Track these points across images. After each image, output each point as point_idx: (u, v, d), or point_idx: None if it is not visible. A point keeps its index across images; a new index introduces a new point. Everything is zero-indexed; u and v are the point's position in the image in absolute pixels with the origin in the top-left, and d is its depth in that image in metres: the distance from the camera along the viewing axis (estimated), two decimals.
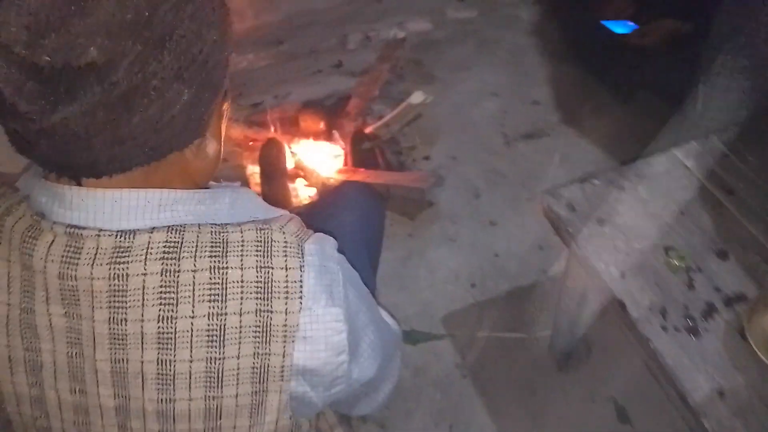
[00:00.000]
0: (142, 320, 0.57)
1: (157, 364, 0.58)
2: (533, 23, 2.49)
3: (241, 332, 0.59)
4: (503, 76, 2.26)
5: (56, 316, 0.59)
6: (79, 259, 0.56)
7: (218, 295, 0.58)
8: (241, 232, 0.61)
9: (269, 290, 0.60)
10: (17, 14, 0.48)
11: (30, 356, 0.61)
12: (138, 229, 0.58)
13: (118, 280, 0.57)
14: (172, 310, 0.57)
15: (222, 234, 0.60)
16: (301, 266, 0.61)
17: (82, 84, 0.49)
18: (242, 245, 0.60)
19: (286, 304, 0.60)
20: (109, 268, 0.56)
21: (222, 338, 0.59)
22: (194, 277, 0.58)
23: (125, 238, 0.57)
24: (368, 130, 2.08)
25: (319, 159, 2.06)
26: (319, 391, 0.65)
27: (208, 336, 0.58)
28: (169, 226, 0.59)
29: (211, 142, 0.64)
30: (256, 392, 0.61)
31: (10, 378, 0.62)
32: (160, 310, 0.57)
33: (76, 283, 0.57)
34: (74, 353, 0.60)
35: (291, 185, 2.02)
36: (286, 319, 0.60)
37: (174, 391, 0.59)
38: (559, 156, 1.95)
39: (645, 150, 1.25)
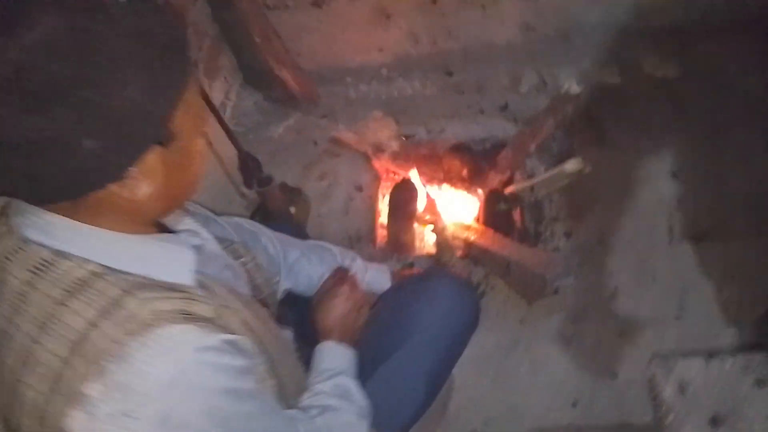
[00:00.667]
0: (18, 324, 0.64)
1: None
2: (755, 94, 2.03)
3: (45, 369, 0.61)
4: (693, 156, 1.88)
5: None
6: (11, 258, 0.66)
7: (45, 325, 0.62)
8: (107, 283, 0.63)
9: (81, 347, 0.60)
10: None
11: None
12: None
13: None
14: (19, 320, 0.63)
15: (93, 275, 0.63)
16: (121, 341, 0.60)
17: None
18: (97, 293, 0.62)
19: (85, 365, 0.60)
20: (27, 274, 0.64)
21: (30, 364, 0.62)
22: (41, 300, 0.63)
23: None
24: (511, 188, 1.89)
25: (452, 208, 1.94)
26: None
27: (25, 356, 0.62)
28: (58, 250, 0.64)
29: (143, 183, 0.64)
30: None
31: None
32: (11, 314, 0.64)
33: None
34: None
35: (417, 228, 1.93)
36: (74, 380, 0.60)
37: None
38: (730, 274, 1.56)
39: None
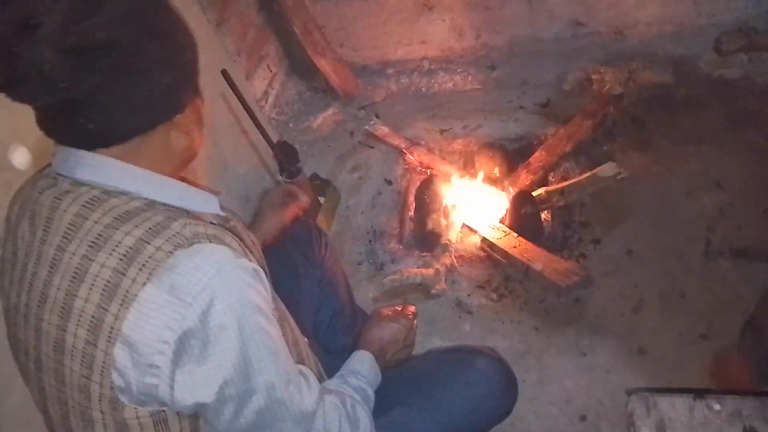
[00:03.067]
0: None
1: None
2: None
3: (95, 279, 0.68)
4: (742, 167, 1.74)
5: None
6: (62, 198, 0.74)
7: (96, 243, 0.69)
8: (153, 212, 0.71)
9: (134, 259, 0.67)
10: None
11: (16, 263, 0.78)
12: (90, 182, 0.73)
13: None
14: (71, 247, 0.71)
15: (139, 208, 0.72)
16: (170, 251, 0.67)
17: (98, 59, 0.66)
18: (144, 219, 0.70)
19: (138, 272, 0.67)
20: (79, 207, 0.72)
21: (83, 276, 0.69)
22: (92, 225, 0.70)
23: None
24: (541, 190, 1.83)
25: (479, 205, 1.90)
26: (134, 373, 0.67)
27: (75, 272, 0.69)
28: (106, 189, 0.73)
29: (180, 134, 0.77)
30: (88, 342, 0.68)
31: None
32: (63, 242, 0.72)
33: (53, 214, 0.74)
34: (33, 265, 0.74)
35: (443, 223, 1.91)
36: (130, 286, 0.67)
37: (46, 312, 0.71)
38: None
39: None
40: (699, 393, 0.80)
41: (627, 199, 1.78)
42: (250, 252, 0.93)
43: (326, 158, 2.24)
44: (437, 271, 1.68)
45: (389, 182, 2.09)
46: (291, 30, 2.24)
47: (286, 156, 1.87)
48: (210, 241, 0.70)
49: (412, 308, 1.17)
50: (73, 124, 0.70)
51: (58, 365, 0.72)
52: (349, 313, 1.41)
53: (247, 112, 1.58)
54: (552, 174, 1.94)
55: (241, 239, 1.02)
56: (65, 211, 0.72)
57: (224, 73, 1.39)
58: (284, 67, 2.53)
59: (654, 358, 1.46)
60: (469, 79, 2.33)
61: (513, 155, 2.03)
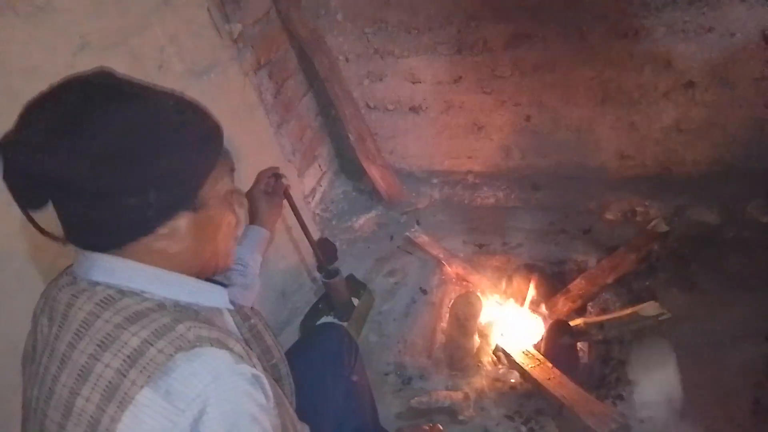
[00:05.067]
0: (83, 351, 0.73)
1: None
2: None
3: (98, 379, 0.70)
4: None
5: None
6: (78, 297, 0.77)
7: (104, 343, 0.71)
8: (161, 313, 0.74)
9: (136, 360, 0.69)
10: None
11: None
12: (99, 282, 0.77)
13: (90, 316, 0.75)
14: (80, 344, 0.73)
15: (150, 308, 0.75)
16: (171, 354, 0.69)
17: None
18: (152, 321, 0.73)
19: (138, 375, 0.68)
20: (93, 306, 0.75)
21: (87, 375, 0.71)
22: (103, 325, 0.73)
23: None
24: (579, 321, 1.79)
25: (514, 328, 1.87)
26: None
27: (80, 370, 0.71)
28: (120, 289, 0.76)
29: (173, 241, 0.79)
30: None
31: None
32: (74, 340, 0.74)
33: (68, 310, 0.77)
34: (47, 360, 0.77)
35: (476, 341, 1.87)
36: (129, 388, 0.68)
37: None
38: None
39: None
40: None
41: (671, 341, 1.72)
42: (269, 352, 1.01)
43: (365, 260, 2.27)
44: (466, 396, 1.63)
45: (424, 291, 2.08)
46: (345, 135, 2.36)
47: (326, 253, 1.91)
48: (212, 345, 0.72)
49: (439, 429, 1.14)
50: (71, 229, 0.77)
51: None
52: (372, 430, 1.37)
53: (292, 210, 1.65)
54: (591, 304, 1.91)
55: (261, 339, 1.03)
56: (80, 309, 0.75)
57: (278, 177, 1.47)
58: (334, 167, 2.63)
59: None
60: (512, 196, 2.37)
61: (552, 279, 2.01)
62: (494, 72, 2.16)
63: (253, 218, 1.38)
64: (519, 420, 1.62)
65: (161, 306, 0.76)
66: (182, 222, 0.79)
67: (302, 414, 1.12)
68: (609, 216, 2.17)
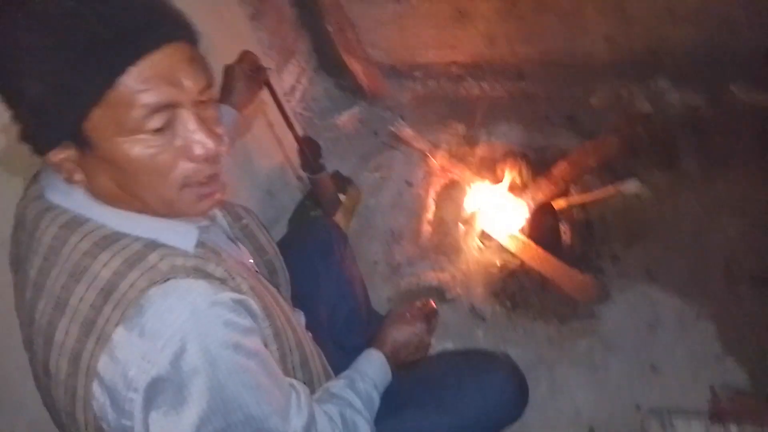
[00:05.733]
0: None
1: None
2: None
3: (75, 313, 0.66)
4: (766, 194, 1.73)
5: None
6: (42, 217, 0.72)
7: (75, 274, 0.67)
8: (131, 239, 0.69)
9: (110, 294, 0.66)
10: None
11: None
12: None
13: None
14: (52, 271, 0.70)
15: (119, 236, 0.69)
16: (144, 288, 0.65)
17: None
18: (123, 247, 0.68)
19: (112, 311, 0.65)
20: (57, 229, 0.71)
21: (63, 307, 0.67)
22: (70, 252, 0.68)
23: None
24: (562, 203, 1.83)
25: (499, 213, 1.90)
26: (112, 411, 0.66)
27: (57, 301, 0.68)
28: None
29: (80, 173, 0.69)
30: (69, 374, 0.67)
31: None
32: (45, 265, 0.70)
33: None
34: (22, 280, 0.74)
35: (462, 228, 1.91)
36: (105, 325, 0.65)
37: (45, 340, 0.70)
38: None
39: None
40: (715, 416, 0.80)
41: (649, 217, 1.77)
42: (262, 249, 0.96)
43: (349, 157, 2.26)
44: (453, 276, 1.69)
45: (410, 184, 2.10)
46: (323, 27, 2.27)
47: (310, 150, 1.89)
48: (187, 276, 0.67)
49: (432, 306, 1.16)
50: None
51: (47, 388, 0.72)
52: (364, 313, 1.41)
53: (276, 105, 1.61)
54: (574, 187, 1.94)
55: (254, 237, 1.01)
56: (44, 231, 0.71)
57: (261, 68, 1.41)
58: (313, 64, 2.55)
59: (666, 377, 1.46)
60: (497, 87, 2.34)
61: (536, 165, 2.03)
62: None
63: (226, 96, 1.25)
64: (504, 296, 1.70)
65: (121, 233, 0.71)
66: (69, 155, 0.67)
67: (297, 301, 1.14)
68: (593, 103, 2.16)
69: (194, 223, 0.78)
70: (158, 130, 0.66)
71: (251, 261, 0.98)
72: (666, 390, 1.43)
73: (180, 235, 0.74)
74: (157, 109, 0.65)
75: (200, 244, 0.76)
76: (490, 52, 2.35)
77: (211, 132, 0.71)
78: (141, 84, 0.63)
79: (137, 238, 0.70)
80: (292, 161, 2.15)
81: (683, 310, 1.56)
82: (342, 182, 2.08)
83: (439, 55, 2.42)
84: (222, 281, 0.72)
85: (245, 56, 1.34)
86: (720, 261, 1.63)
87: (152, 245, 0.69)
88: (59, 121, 0.64)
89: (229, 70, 1.29)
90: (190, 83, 0.68)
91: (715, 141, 1.93)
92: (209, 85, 0.71)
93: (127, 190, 0.69)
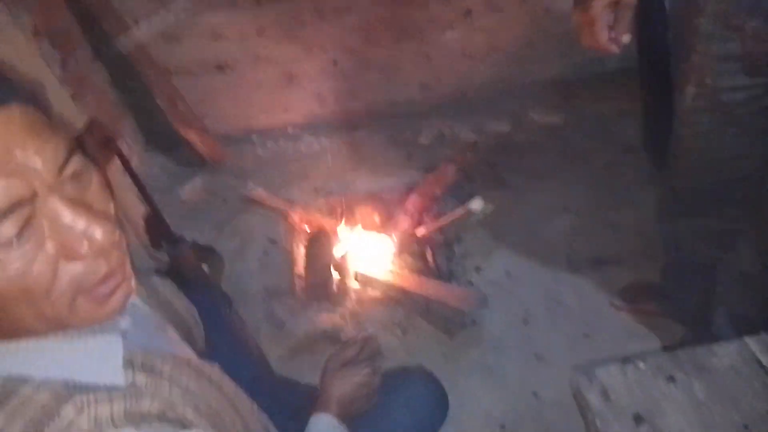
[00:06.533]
0: None
1: None
2: (628, 139, 2.29)
3: None
4: (582, 193, 2.07)
5: None
6: None
7: None
8: (36, 390, 0.50)
9: None
10: None
11: None
12: None
13: None
14: None
15: (16, 384, 0.50)
16: None
17: None
18: (23, 402, 0.49)
19: None
20: None
21: None
22: None
23: None
24: (422, 230, 1.97)
25: (367, 252, 1.98)
26: None
27: None
28: None
29: None
30: None
31: None
32: None
33: None
34: None
35: (335, 276, 1.94)
36: None
37: None
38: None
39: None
40: (626, 358, 0.94)
41: (496, 229, 2.00)
42: (178, 388, 0.64)
43: (203, 228, 2.17)
44: (343, 317, 1.70)
45: (274, 242, 2.08)
46: (152, 103, 2.20)
47: (160, 227, 1.80)
48: (116, 428, 0.51)
49: (371, 343, 1.08)
50: None
51: None
52: (269, 380, 1.33)
53: (130, 175, 1.52)
54: (427, 215, 2.11)
55: (170, 306, 0.92)
56: None
57: (110, 138, 1.33)
58: (141, 143, 2.44)
59: (549, 361, 1.63)
60: (335, 140, 2.47)
61: (389, 204, 2.17)
62: (296, 20, 2.20)
63: None
64: (394, 325, 1.75)
65: (23, 379, 0.52)
66: None
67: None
68: (423, 140, 2.40)
69: (112, 328, 0.59)
70: (17, 236, 0.47)
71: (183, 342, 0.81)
72: (554, 372, 1.59)
73: (99, 361, 0.56)
74: (2, 212, 0.46)
75: (126, 363, 0.58)
76: (321, 110, 2.49)
77: (92, 216, 0.51)
78: None
79: (42, 383, 0.51)
80: (144, 240, 2.01)
81: (546, 299, 1.77)
82: (202, 252, 1.99)
83: (274, 117, 2.49)
84: (160, 416, 0.55)
85: (93, 125, 1.26)
86: (562, 252, 1.89)
87: (64, 391, 0.51)
88: None
89: (76, 143, 1.19)
90: (38, 163, 0.49)
91: (527, 158, 2.27)
92: (70, 155, 0.53)
93: (4, 322, 0.51)
